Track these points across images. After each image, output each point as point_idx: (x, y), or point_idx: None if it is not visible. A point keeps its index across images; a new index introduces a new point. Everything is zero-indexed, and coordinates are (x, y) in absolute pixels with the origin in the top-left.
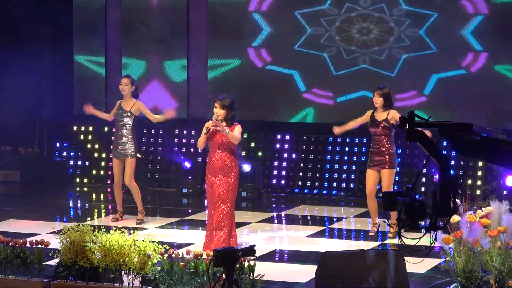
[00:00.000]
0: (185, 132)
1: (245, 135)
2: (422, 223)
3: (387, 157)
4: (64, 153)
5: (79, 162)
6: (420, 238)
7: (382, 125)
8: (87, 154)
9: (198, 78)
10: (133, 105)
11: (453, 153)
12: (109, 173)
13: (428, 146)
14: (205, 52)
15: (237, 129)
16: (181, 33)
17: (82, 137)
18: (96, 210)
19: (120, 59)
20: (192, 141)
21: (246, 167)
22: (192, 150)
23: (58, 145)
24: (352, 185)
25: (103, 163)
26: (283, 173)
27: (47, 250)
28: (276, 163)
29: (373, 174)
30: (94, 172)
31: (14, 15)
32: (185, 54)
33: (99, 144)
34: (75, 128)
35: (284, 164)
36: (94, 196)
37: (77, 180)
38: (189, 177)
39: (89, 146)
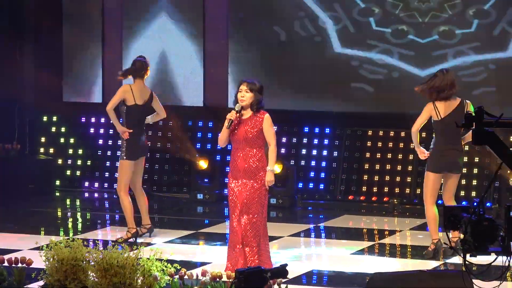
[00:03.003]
0: (200, 124)
1: (275, 128)
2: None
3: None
4: (51, 150)
5: (69, 162)
6: (490, 264)
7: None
8: (79, 152)
9: (216, 59)
10: (150, 94)
11: None
12: (106, 174)
13: (499, 151)
14: (225, 27)
15: (268, 122)
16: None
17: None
18: (90, 221)
19: (120, 34)
20: (210, 135)
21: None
22: (209, 146)
23: (43, 140)
24: (407, 191)
25: (98, 162)
26: (322, 175)
27: (29, 270)
28: (313, 163)
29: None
30: (87, 174)
31: None
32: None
33: (93, 138)
34: (64, 119)
35: (323, 164)
36: (88, 204)
37: (67, 183)
38: (206, 180)
39: (81, 141)
